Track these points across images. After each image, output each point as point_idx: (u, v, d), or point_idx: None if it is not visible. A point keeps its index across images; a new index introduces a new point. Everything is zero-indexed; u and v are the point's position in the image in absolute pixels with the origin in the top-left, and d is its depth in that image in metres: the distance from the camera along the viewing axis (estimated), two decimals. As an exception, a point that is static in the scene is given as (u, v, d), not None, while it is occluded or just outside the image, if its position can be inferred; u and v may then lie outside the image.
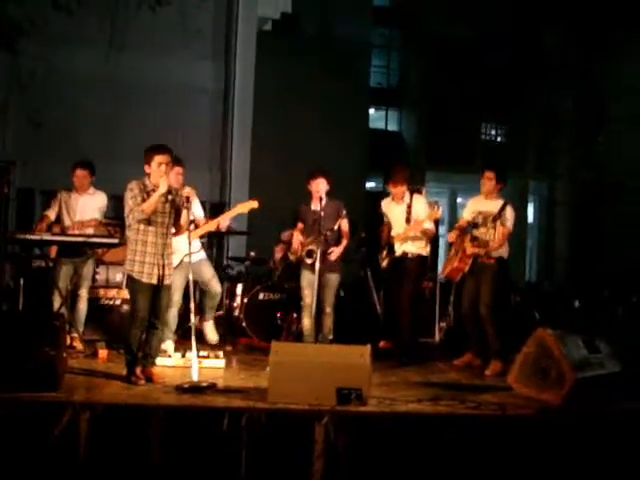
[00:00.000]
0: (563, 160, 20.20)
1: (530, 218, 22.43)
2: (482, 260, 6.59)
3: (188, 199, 5.58)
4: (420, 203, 6.89)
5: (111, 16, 9.98)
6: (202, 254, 6.80)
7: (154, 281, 5.43)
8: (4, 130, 8.96)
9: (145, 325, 5.48)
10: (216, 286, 6.86)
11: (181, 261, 6.16)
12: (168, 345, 6.53)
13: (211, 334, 7.00)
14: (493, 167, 6.85)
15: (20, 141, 10.00)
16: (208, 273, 6.80)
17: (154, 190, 5.39)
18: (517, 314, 8.85)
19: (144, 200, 5.36)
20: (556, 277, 19.92)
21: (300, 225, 6.83)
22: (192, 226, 6.37)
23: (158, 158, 5.40)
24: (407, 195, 6.93)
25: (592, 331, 5.98)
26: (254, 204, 6.60)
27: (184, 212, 5.55)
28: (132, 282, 5.49)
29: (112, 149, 10.59)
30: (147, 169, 5.46)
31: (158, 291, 5.47)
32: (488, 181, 6.76)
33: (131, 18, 10.08)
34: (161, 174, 5.36)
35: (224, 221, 6.67)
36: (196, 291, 6.85)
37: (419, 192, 7.23)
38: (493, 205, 6.71)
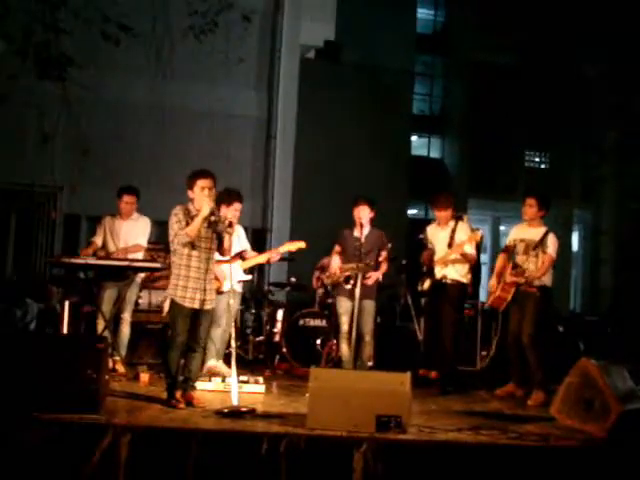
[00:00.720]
0: (608, 188, 19.94)
1: (575, 247, 22.13)
2: (524, 289, 6.52)
3: (231, 224, 5.65)
4: (463, 228, 6.89)
5: (157, 45, 10.19)
6: (241, 287, 6.91)
7: (196, 305, 5.49)
8: (53, 157, 9.19)
9: (184, 349, 5.53)
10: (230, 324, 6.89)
11: (231, 287, 6.29)
12: (218, 364, 6.59)
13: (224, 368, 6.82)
14: (535, 194, 6.81)
15: (67, 168, 10.23)
16: (237, 306, 6.88)
17: (197, 215, 5.47)
18: (561, 344, 8.69)
19: (188, 224, 5.44)
20: (601, 307, 19.56)
21: (338, 248, 6.84)
22: (238, 257, 6.56)
23: (200, 182, 5.48)
24: (452, 221, 6.92)
25: (638, 362, 5.84)
26: (302, 244, 6.91)
27: (226, 237, 5.61)
28: (174, 306, 5.54)
29: (157, 176, 10.77)
30: (190, 194, 5.55)
31: (198, 316, 5.53)
32: (529, 208, 6.72)
33: (176, 47, 10.27)
34: (204, 198, 5.43)
35: (274, 257, 6.96)
36: (238, 317, 6.93)
37: (461, 219, 7.21)
38: (535, 233, 6.65)
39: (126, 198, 7.00)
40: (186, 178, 5.58)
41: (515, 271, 6.52)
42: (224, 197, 6.57)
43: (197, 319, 5.53)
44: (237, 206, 6.58)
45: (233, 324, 5.99)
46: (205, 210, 5.40)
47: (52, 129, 8.37)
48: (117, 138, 11.04)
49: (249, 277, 7.02)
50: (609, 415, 5.09)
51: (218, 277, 6.19)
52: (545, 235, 6.60)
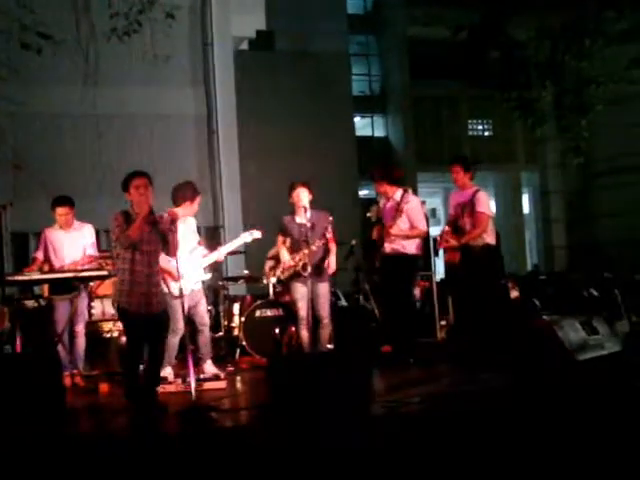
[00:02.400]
0: (550, 148, 20.26)
1: (526, 209, 22.48)
2: (468, 248, 6.62)
3: (173, 221, 5.57)
4: (410, 201, 6.90)
5: (82, 51, 10.01)
6: (200, 284, 6.80)
7: (142, 310, 5.38)
8: (-11, 175, 8.99)
9: (141, 355, 5.46)
10: (207, 319, 6.81)
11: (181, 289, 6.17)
12: (167, 372, 6.49)
13: (212, 369, 6.78)
14: (455, 161, 6.99)
15: (6, 184, 10.01)
16: (204, 305, 6.77)
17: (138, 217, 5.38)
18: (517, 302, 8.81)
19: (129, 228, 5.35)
20: (556, 265, 19.93)
21: (282, 238, 6.80)
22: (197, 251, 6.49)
23: (134, 182, 5.38)
24: (398, 193, 6.93)
25: (590, 313, 5.96)
26: (258, 234, 6.85)
27: (171, 236, 5.52)
28: (121, 313, 5.46)
29: (97, 185, 10.60)
30: (128, 197, 5.45)
31: (149, 320, 5.44)
32: (456, 174, 6.88)
33: (102, 51, 10.08)
34: (139, 197, 5.36)
35: (227, 250, 6.93)
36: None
37: (406, 192, 7.22)
38: (467, 194, 6.77)
39: (59, 210, 6.81)
40: (121, 182, 5.49)
41: (456, 235, 6.64)
42: (188, 193, 6.46)
43: (148, 324, 5.44)
44: (199, 199, 6.48)
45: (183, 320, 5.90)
46: (144, 209, 5.32)
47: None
48: (52, 150, 10.83)
49: (209, 276, 6.91)
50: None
51: (173, 278, 6.10)
52: (474, 194, 6.71)
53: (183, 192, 6.49)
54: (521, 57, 11.96)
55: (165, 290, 6.04)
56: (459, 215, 6.74)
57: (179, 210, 6.22)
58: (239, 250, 10.46)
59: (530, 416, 4.75)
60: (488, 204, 6.77)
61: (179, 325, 6.22)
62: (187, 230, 6.56)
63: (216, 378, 6.35)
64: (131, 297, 5.35)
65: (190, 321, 6.49)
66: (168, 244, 5.50)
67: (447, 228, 6.80)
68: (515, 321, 6.20)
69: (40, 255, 6.89)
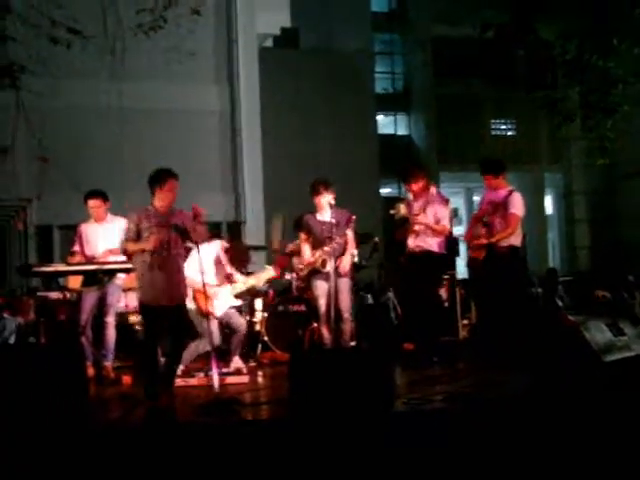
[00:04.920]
0: (575, 149, 20.09)
1: (549, 210, 22.32)
2: (494, 249, 6.57)
3: (196, 216, 5.57)
4: (436, 200, 6.87)
5: (109, 47, 10.08)
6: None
7: (161, 303, 5.38)
8: (15, 168, 9.05)
9: (157, 347, 5.49)
10: (242, 321, 6.87)
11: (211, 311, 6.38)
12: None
13: (239, 363, 6.86)
14: (487, 170, 6.87)
15: (32, 178, 10.12)
16: (236, 314, 6.83)
17: (156, 215, 5.42)
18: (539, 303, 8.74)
19: (139, 231, 5.39)
20: (579, 266, 19.77)
21: (305, 236, 6.78)
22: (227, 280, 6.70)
23: (169, 181, 5.43)
24: (425, 193, 6.90)
25: (616, 314, 5.88)
26: (273, 273, 7.07)
27: (196, 226, 5.53)
28: (141, 306, 5.51)
29: (122, 178, 10.67)
30: (157, 191, 5.45)
31: (168, 313, 5.43)
32: (488, 182, 6.84)
33: (128, 47, 10.15)
34: (170, 197, 5.42)
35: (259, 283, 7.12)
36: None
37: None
38: (500, 194, 6.72)
39: (91, 202, 6.89)
40: (150, 176, 5.51)
41: (484, 233, 6.59)
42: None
43: (167, 317, 5.44)
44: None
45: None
46: (149, 245, 5.32)
47: (11, 139, 8.24)
48: (78, 144, 10.94)
49: (239, 302, 6.94)
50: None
51: (203, 298, 6.19)
52: (508, 195, 6.66)
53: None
54: (547, 56, 11.87)
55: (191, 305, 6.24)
56: (489, 212, 6.69)
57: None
58: (260, 245, 10.56)
59: (554, 418, 4.71)
60: (521, 205, 6.68)
61: (205, 335, 6.30)
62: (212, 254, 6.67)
63: (238, 372, 6.37)
64: (150, 290, 5.38)
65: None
66: (189, 234, 5.50)
67: (483, 230, 6.70)
68: (540, 321, 6.13)
69: (78, 249, 6.94)
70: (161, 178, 5.46)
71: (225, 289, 6.70)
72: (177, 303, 5.49)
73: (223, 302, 6.63)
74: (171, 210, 5.50)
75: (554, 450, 4.54)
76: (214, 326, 6.43)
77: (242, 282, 6.85)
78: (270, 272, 7.05)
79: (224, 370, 6.29)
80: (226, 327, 6.72)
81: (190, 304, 6.21)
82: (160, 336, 5.45)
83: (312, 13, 18.53)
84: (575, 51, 10.65)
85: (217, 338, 6.45)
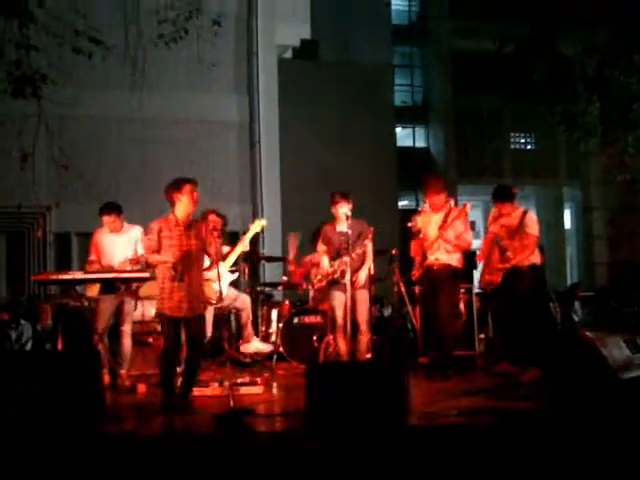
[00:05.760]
0: (594, 164, 19.97)
1: (567, 224, 22.18)
2: (514, 269, 6.55)
3: (215, 228, 5.61)
4: (456, 212, 6.84)
5: (131, 57, 10.17)
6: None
7: (180, 315, 5.44)
8: (34, 176, 9.11)
9: (176, 357, 5.52)
10: (245, 300, 6.95)
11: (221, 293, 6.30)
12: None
13: (262, 346, 6.98)
14: (497, 199, 6.89)
15: (51, 186, 10.21)
16: (232, 294, 6.93)
17: (177, 224, 5.44)
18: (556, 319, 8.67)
19: (160, 240, 5.42)
20: (597, 282, 19.60)
21: (324, 247, 6.80)
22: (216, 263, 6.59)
23: (191, 189, 5.48)
24: (445, 206, 6.87)
25: (634, 331, 5.83)
26: (263, 222, 6.97)
27: (213, 240, 5.57)
28: (161, 316, 5.55)
29: (141, 187, 10.75)
30: (176, 199, 5.49)
31: (187, 324, 5.48)
32: (503, 209, 6.84)
33: (150, 57, 10.23)
34: (192, 205, 5.46)
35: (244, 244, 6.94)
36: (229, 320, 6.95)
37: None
38: (513, 217, 6.73)
39: (105, 218, 6.86)
40: (169, 184, 5.54)
41: (503, 256, 6.58)
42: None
43: (186, 327, 5.48)
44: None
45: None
46: (172, 258, 5.37)
47: (31, 148, 8.32)
48: (98, 153, 11.04)
49: (236, 275, 6.99)
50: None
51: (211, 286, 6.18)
52: (523, 216, 6.65)
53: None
54: (568, 71, 11.85)
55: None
56: (503, 237, 6.69)
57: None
58: (277, 257, 10.58)
59: (570, 434, 4.67)
60: (537, 224, 6.74)
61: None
62: None
63: (253, 383, 6.37)
64: (170, 301, 5.42)
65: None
66: (208, 247, 5.56)
67: (500, 255, 6.69)
68: (558, 337, 6.09)
69: (94, 257, 6.96)
70: (181, 186, 5.49)
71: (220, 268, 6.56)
72: (197, 313, 5.52)
73: (223, 282, 6.46)
74: (191, 220, 5.53)
75: (571, 467, 4.49)
76: (209, 316, 6.44)
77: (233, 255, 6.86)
78: (261, 223, 6.96)
79: (239, 380, 6.29)
80: (232, 309, 6.91)
81: None
82: (178, 346, 5.47)
83: (332, 25, 18.58)
84: (596, 67, 10.63)
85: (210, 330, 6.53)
